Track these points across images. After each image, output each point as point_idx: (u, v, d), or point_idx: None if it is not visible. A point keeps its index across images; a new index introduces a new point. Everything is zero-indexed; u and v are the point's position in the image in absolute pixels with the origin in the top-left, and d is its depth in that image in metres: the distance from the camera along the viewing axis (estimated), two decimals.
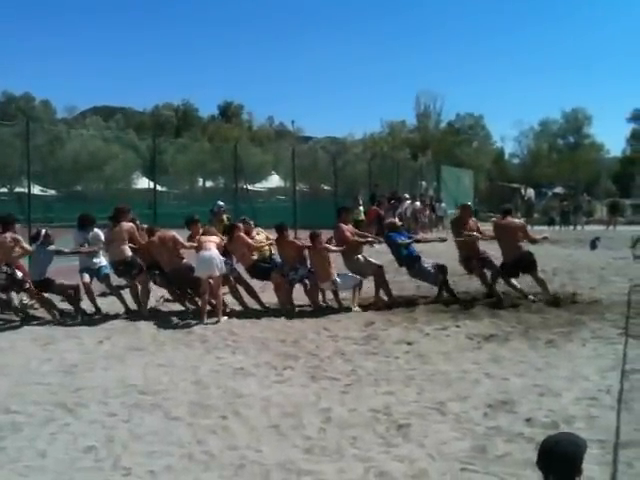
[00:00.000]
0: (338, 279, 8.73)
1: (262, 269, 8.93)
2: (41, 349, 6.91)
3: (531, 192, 37.44)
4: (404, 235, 9.59)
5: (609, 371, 5.61)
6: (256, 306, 8.94)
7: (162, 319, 8.42)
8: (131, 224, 8.84)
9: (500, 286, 9.13)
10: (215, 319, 8.11)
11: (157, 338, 7.38)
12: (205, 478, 3.75)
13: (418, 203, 23.51)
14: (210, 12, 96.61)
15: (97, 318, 8.53)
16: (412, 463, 3.83)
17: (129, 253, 8.64)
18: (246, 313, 8.67)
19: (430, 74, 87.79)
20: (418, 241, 10.17)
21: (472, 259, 9.12)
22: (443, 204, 27.01)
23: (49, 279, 8.60)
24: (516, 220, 8.97)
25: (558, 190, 43.43)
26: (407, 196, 22.91)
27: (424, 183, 28.02)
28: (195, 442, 4.24)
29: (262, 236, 9.32)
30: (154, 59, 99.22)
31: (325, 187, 29.79)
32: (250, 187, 22.29)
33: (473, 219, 9.72)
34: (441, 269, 9.11)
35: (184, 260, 8.74)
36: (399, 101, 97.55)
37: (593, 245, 11.03)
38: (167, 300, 9.37)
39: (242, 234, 8.82)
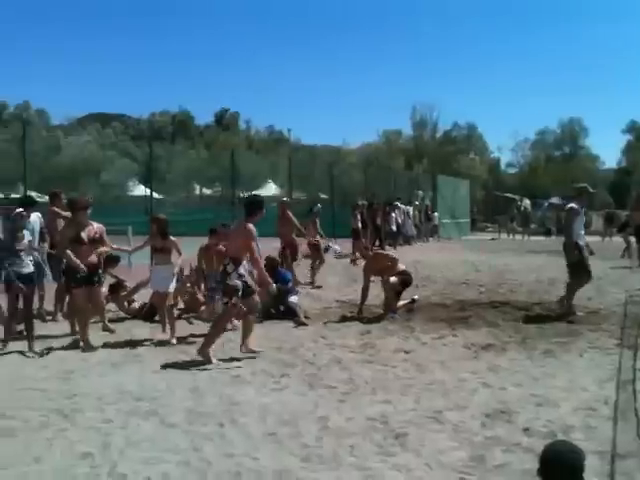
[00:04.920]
0: None
1: None
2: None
3: (527, 202, 37.41)
4: None
5: (607, 382, 5.60)
6: None
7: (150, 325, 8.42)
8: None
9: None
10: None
11: (151, 347, 7.32)
12: None
13: (410, 209, 23.41)
14: (210, 22, 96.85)
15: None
16: (409, 472, 3.81)
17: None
18: None
19: (427, 83, 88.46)
20: None
21: None
22: (436, 213, 27.05)
23: None
24: None
25: (554, 200, 43.44)
26: (398, 204, 22.50)
27: (421, 192, 27.93)
28: (192, 449, 4.20)
29: None
30: (152, 67, 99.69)
31: (322, 195, 29.67)
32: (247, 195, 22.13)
33: None
34: None
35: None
36: (396, 111, 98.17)
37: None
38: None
39: None
